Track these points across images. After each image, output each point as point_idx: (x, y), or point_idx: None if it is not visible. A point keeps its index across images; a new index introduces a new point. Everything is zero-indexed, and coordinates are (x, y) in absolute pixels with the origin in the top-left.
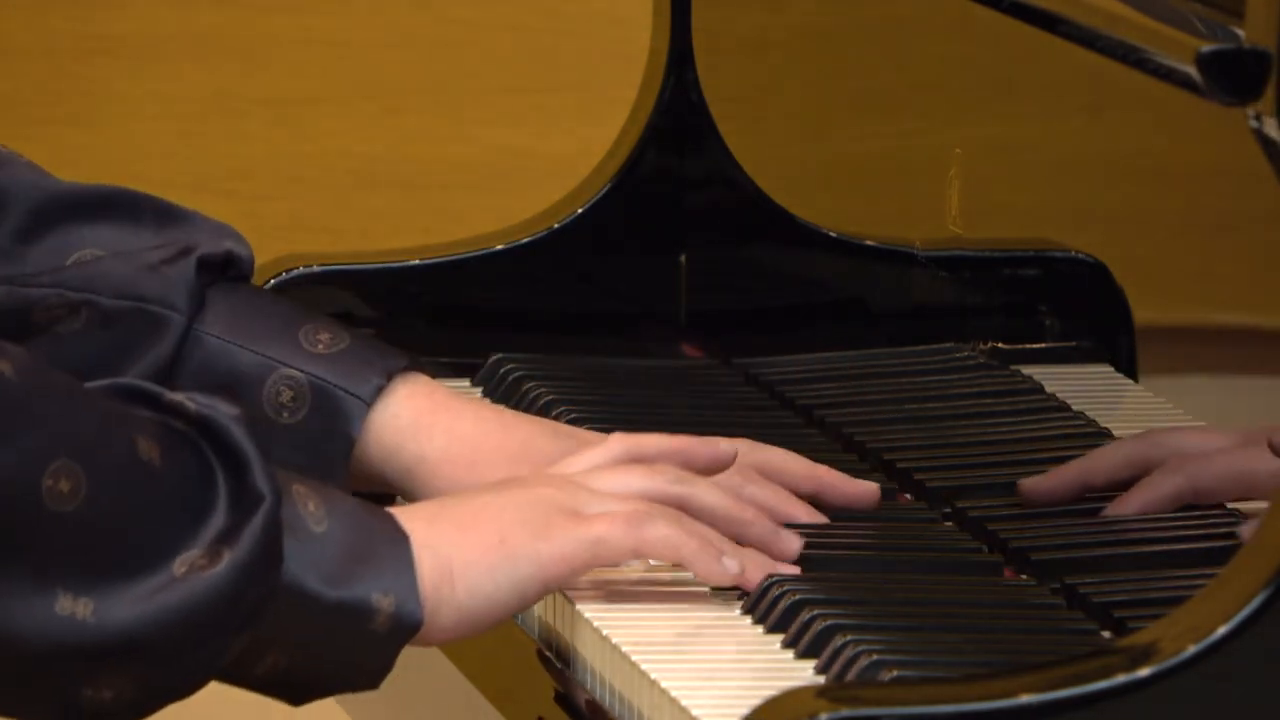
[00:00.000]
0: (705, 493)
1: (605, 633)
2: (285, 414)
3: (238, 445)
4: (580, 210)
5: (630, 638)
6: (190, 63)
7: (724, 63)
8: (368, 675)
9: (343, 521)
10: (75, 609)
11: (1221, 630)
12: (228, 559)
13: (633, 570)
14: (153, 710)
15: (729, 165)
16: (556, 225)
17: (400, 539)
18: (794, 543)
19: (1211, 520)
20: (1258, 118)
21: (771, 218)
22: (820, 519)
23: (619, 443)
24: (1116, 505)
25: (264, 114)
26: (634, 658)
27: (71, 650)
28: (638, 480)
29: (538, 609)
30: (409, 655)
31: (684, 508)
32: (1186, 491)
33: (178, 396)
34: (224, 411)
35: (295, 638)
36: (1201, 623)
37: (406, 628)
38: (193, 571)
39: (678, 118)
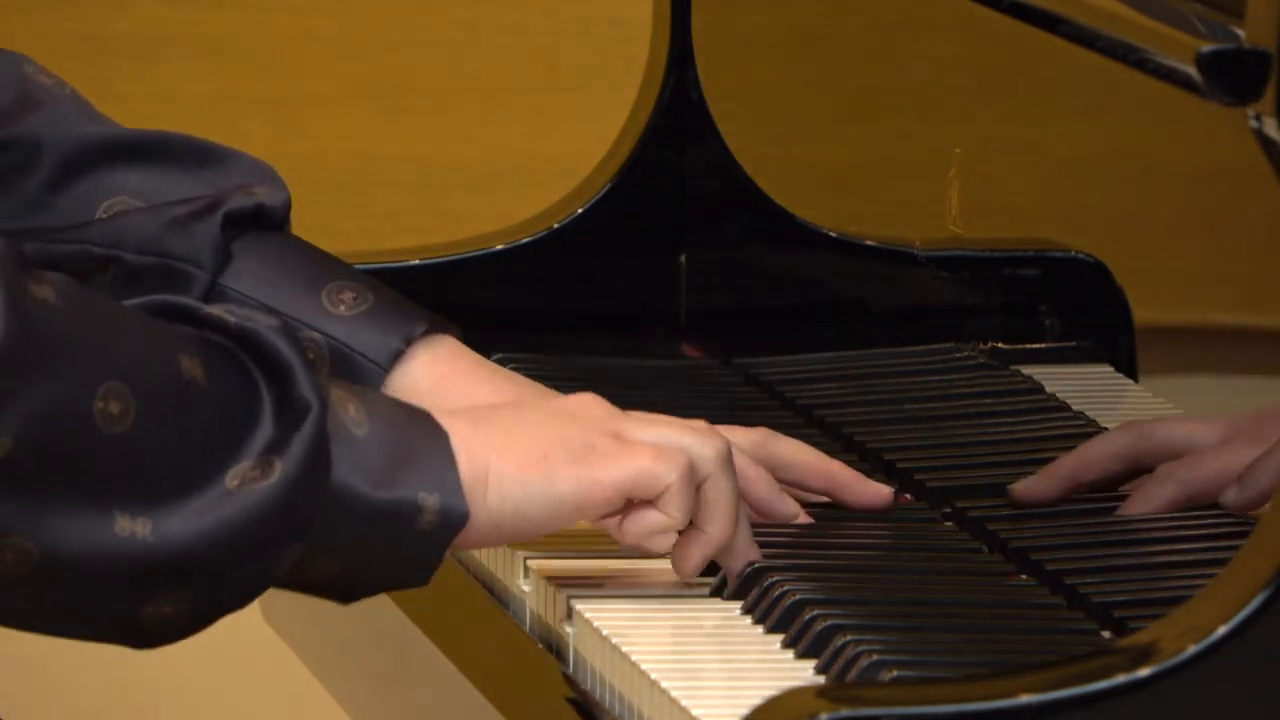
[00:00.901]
0: (727, 474)
1: (605, 633)
2: None
3: (280, 355)
4: (580, 210)
5: (630, 638)
6: (190, 63)
7: (724, 63)
8: (418, 572)
9: (383, 423)
10: (135, 529)
11: (1221, 630)
12: (279, 470)
13: (634, 570)
14: (208, 624)
15: (729, 165)
16: (556, 225)
17: (440, 436)
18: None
19: (1211, 520)
20: (1258, 118)
21: (771, 218)
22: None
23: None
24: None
25: (264, 114)
26: (634, 658)
27: (133, 569)
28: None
29: (537, 608)
30: (408, 656)
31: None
32: (1180, 499)
33: (216, 310)
34: (264, 322)
35: (346, 542)
36: (1201, 623)
37: (453, 523)
38: (245, 484)
39: (678, 118)
